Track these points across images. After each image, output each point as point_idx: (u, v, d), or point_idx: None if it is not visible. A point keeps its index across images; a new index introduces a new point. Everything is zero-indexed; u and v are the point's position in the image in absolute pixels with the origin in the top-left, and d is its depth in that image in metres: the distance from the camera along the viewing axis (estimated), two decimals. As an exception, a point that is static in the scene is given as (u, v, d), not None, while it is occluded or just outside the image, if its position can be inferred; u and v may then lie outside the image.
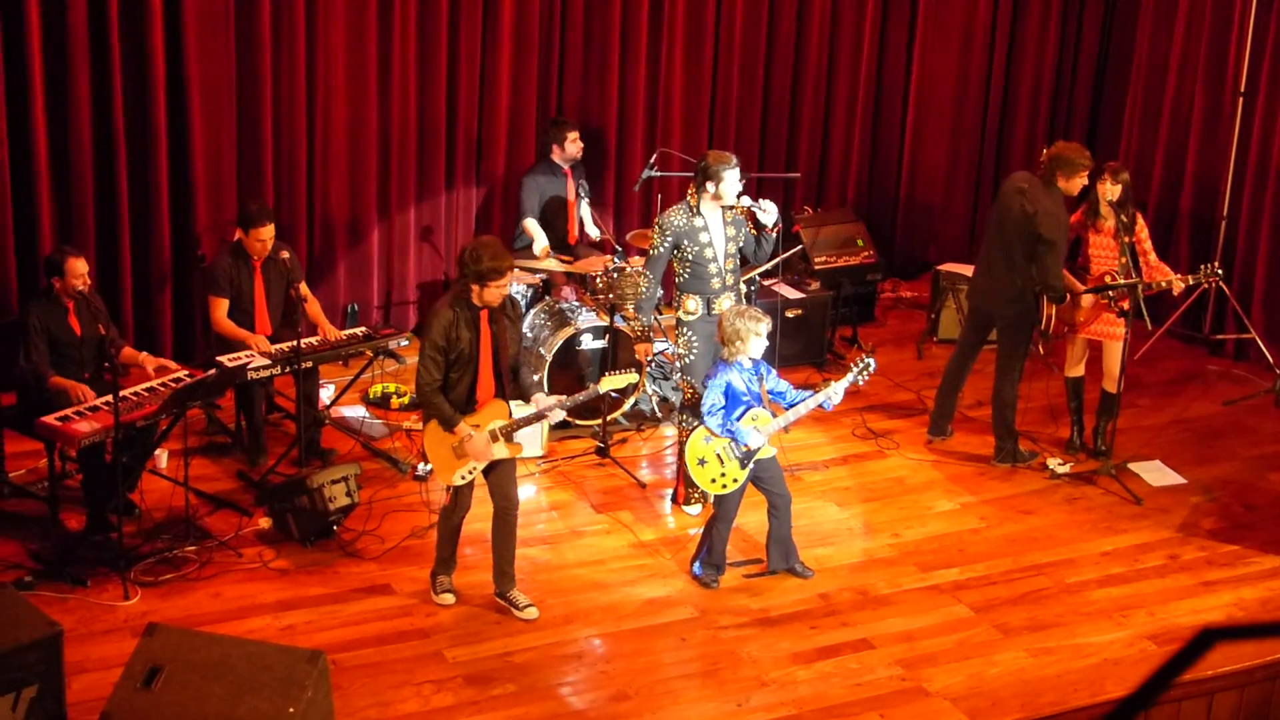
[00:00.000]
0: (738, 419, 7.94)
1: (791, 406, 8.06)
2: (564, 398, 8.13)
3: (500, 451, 7.82)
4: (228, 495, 9.00)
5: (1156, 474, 9.82)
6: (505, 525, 8.00)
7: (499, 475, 7.91)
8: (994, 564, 8.68)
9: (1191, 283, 9.72)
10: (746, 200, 8.78)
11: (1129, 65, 12.90)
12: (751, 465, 8.03)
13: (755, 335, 7.89)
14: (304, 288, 9.58)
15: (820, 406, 8.07)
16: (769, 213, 8.80)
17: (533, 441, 9.48)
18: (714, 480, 8.04)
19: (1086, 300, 9.56)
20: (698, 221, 8.75)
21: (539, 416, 7.97)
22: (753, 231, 8.94)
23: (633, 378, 8.32)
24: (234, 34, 10.37)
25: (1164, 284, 9.64)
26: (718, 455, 7.99)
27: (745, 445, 7.93)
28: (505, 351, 7.83)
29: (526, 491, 9.23)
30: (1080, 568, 8.67)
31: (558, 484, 9.45)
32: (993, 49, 13.21)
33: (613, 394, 9.34)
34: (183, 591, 8.01)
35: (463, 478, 7.83)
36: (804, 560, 8.45)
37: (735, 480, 8.02)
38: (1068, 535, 9.03)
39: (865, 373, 8.17)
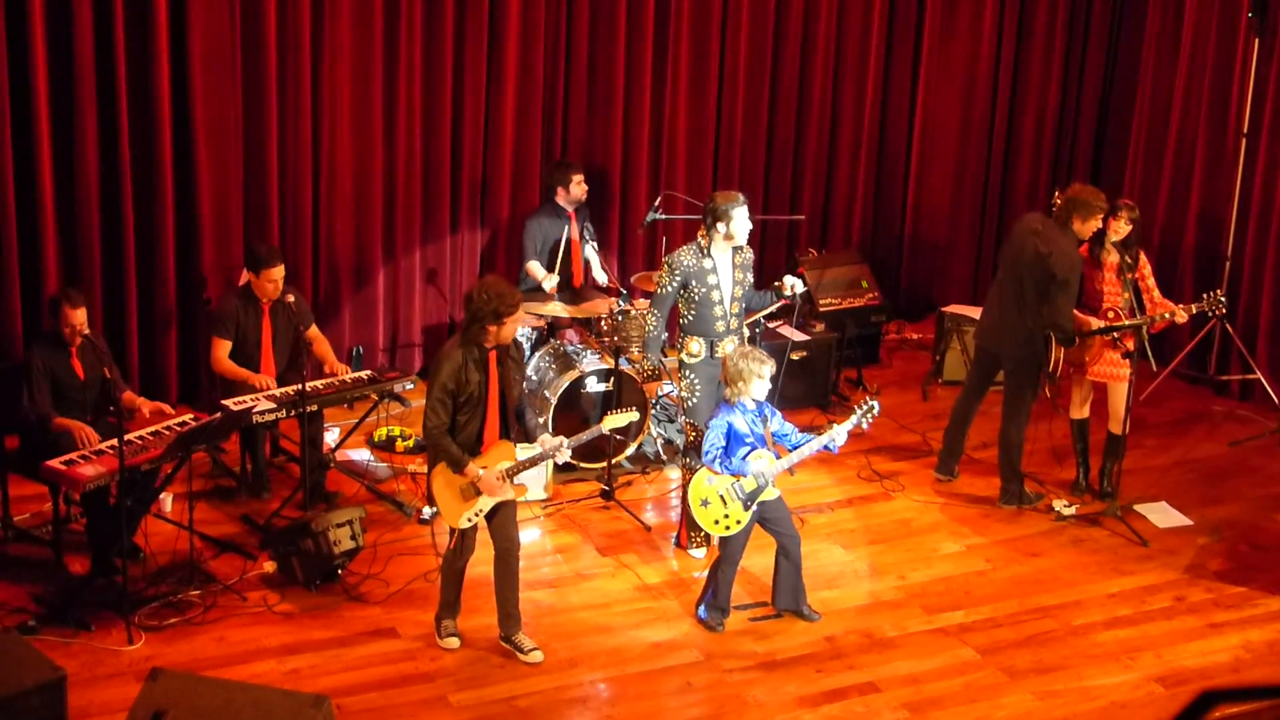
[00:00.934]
0: (742, 459, 7.93)
1: (795, 449, 8.06)
2: (567, 439, 8.13)
3: (508, 492, 7.83)
4: (232, 539, 8.99)
5: (1162, 515, 9.80)
6: (507, 567, 7.98)
7: (501, 517, 7.91)
8: (1000, 606, 8.65)
9: (1195, 311, 9.71)
10: (790, 279, 8.85)
11: (1132, 105, 12.93)
12: (755, 507, 8.02)
13: (758, 377, 7.88)
14: (315, 330, 9.61)
15: (825, 449, 8.07)
16: (795, 289, 8.86)
17: (536, 483, 9.47)
18: (717, 521, 8.03)
19: (1093, 341, 9.55)
20: (707, 263, 8.76)
21: (544, 457, 7.99)
22: (769, 288, 8.97)
23: (634, 415, 8.33)
24: (240, 76, 10.42)
25: (1169, 316, 9.63)
26: (721, 496, 7.98)
27: (749, 481, 7.91)
28: (511, 393, 7.85)
29: (531, 534, 9.23)
30: (1087, 610, 8.64)
31: (562, 527, 9.43)
32: (996, 89, 13.24)
33: (615, 435, 9.35)
34: (187, 636, 7.99)
35: (469, 520, 7.82)
36: (810, 603, 8.42)
37: (739, 522, 8.00)
38: (1074, 577, 9.01)
39: (869, 415, 8.16)
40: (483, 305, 7.56)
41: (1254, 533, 9.65)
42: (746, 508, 7.98)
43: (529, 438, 8.02)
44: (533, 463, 7.94)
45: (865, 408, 8.16)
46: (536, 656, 7.95)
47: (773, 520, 8.18)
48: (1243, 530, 9.68)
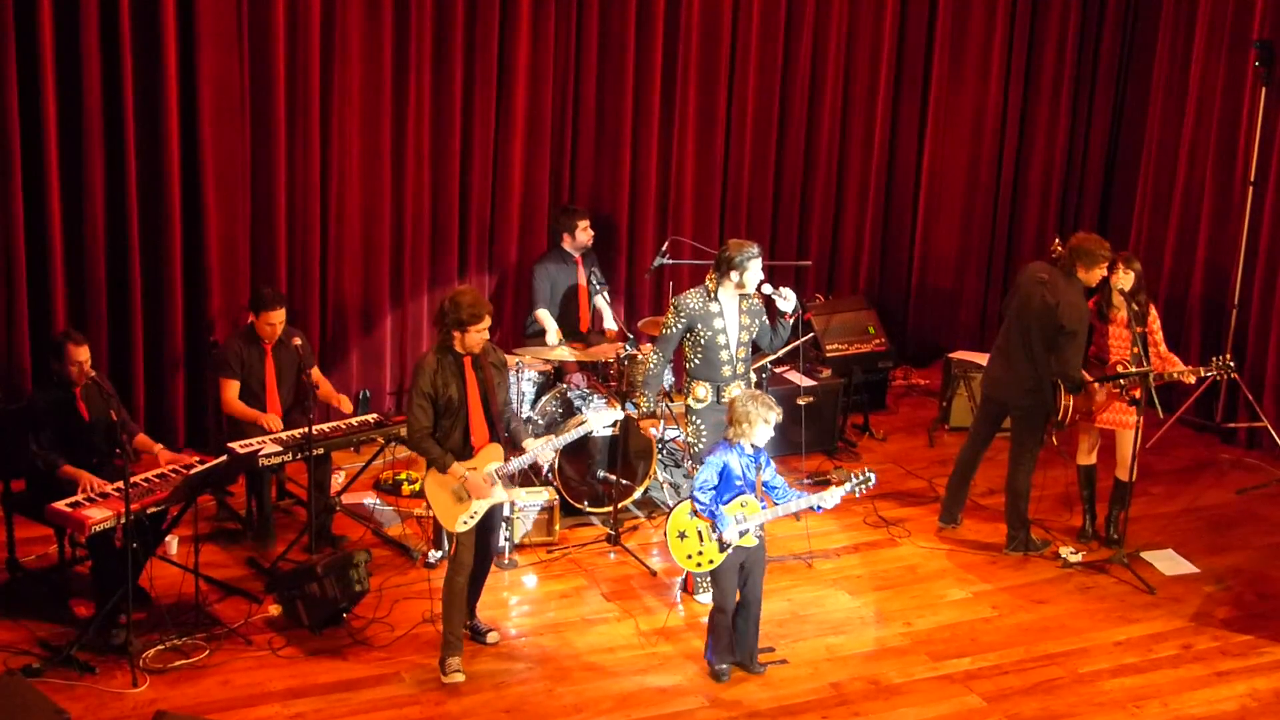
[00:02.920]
0: (725, 502, 7.91)
1: (782, 504, 8.03)
2: (553, 437, 8.34)
3: (499, 494, 8.02)
4: (237, 582, 8.99)
5: (1169, 563, 9.78)
6: (481, 569, 8.30)
7: (484, 525, 8.11)
8: (1006, 653, 8.62)
9: (1203, 375, 9.72)
10: (767, 288, 8.83)
11: (1139, 154, 12.97)
12: (730, 552, 7.98)
13: (764, 422, 7.87)
14: (316, 372, 9.63)
15: (812, 508, 8.05)
16: (788, 300, 8.85)
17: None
18: (690, 556, 8.01)
19: (1100, 389, 9.56)
20: (713, 307, 8.78)
21: (532, 460, 8.18)
22: (775, 317, 8.97)
23: (618, 413, 8.70)
24: (249, 121, 10.47)
25: (1175, 375, 9.63)
26: (699, 532, 7.95)
27: (724, 531, 7.90)
28: (494, 396, 8.04)
29: (535, 579, 9.22)
30: (1093, 657, 8.62)
31: (568, 571, 9.42)
32: (1003, 137, 13.29)
33: (614, 475, 9.36)
34: (191, 679, 7.97)
35: (464, 523, 7.96)
36: (814, 649, 8.40)
37: (711, 561, 7.96)
38: (1080, 624, 8.98)
39: (864, 485, 8.10)
40: (447, 314, 7.90)
41: (1261, 581, 9.62)
42: (721, 550, 7.95)
43: (514, 442, 8.19)
44: (521, 466, 8.11)
45: (861, 477, 8.11)
46: (493, 638, 8.33)
47: (746, 570, 8.13)
48: (1249, 578, 9.65)
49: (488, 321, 7.95)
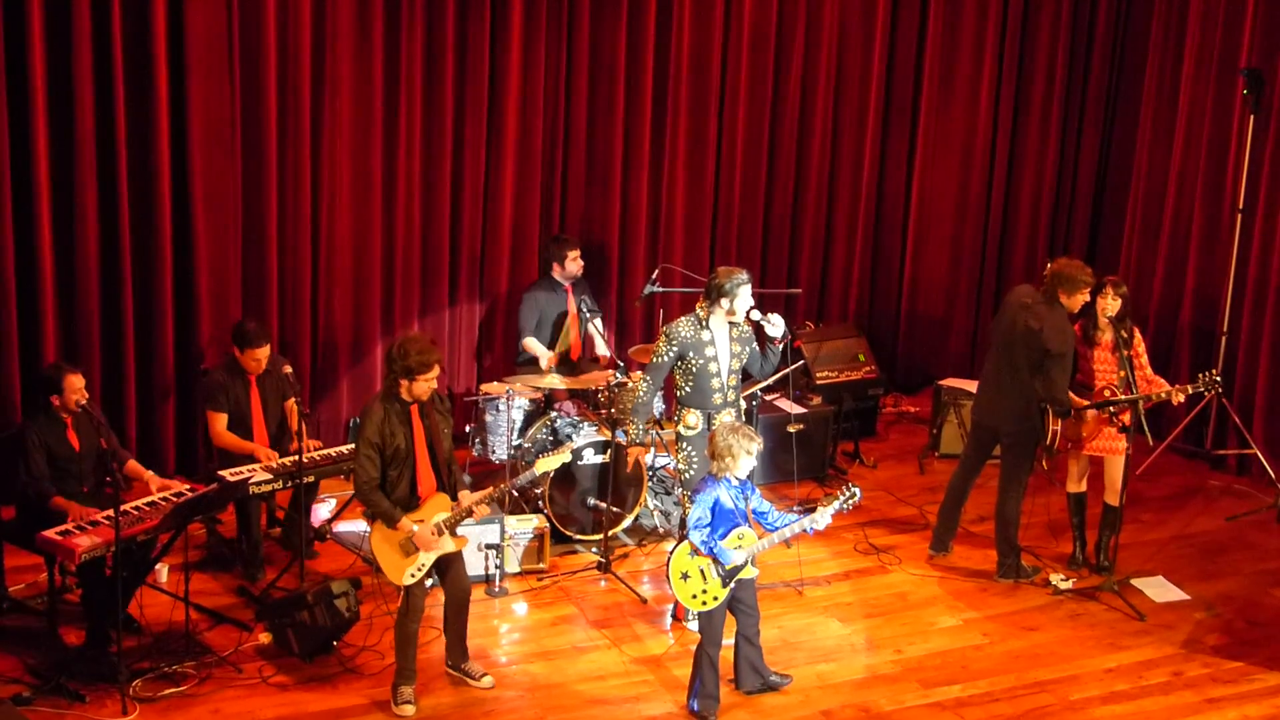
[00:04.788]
0: (722, 537, 7.90)
1: (775, 529, 8.03)
2: (494, 489, 8.21)
3: (447, 545, 7.96)
4: (228, 610, 8.98)
5: (1159, 590, 9.79)
6: (458, 613, 8.23)
7: (453, 571, 8.10)
8: (997, 680, 8.62)
9: (1191, 392, 9.73)
10: (756, 313, 8.85)
11: (1128, 181, 13.02)
12: (733, 585, 7.98)
13: (746, 454, 7.85)
14: (292, 403, 9.63)
15: (804, 531, 8.04)
16: (776, 326, 8.86)
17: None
18: (695, 596, 7.97)
19: (1090, 415, 9.57)
20: (704, 335, 8.80)
21: (469, 512, 8.05)
22: (760, 345, 8.99)
23: (565, 457, 8.58)
24: (239, 150, 10.50)
25: (1164, 395, 9.65)
26: (701, 571, 7.93)
27: (728, 565, 7.88)
28: (440, 445, 7.99)
29: (525, 607, 9.22)
30: (1084, 684, 8.61)
31: (558, 599, 9.42)
32: (993, 164, 13.33)
33: (600, 506, 9.36)
34: (181, 707, 7.96)
35: (412, 576, 7.92)
36: (805, 677, 8.40)
37: (715, 598, 7.94)
38: (1071, 651, 8.98)
39: (850, 502, 8.09)
40: (395, 360, 7.84)
41: (1251, 608, 9.63)
42: (725, 585, 7.94)
43: (451, 494, 8.12)
44: (467, 514, 8.03)
45: (847, 494, 8.10)
46: (488, 682, 8.19)
47: (741, 599, 8.12)
48: (1240, 605, 9.65)
49: (436, 371, 7.89)
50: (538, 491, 9.82)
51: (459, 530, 8.04)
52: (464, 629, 8.28)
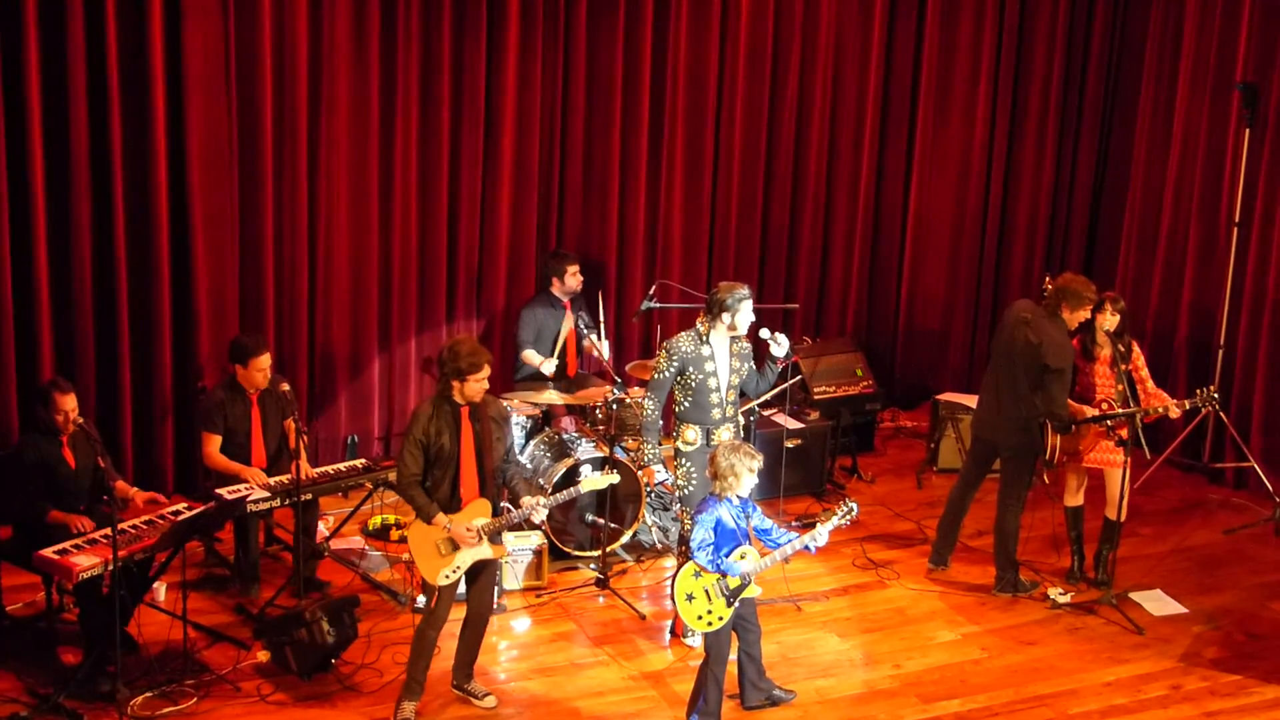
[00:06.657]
0: (726, 554, 7.89)
1: (776, 547, 8.02)
2: (543, 498, 8.22)
3: (485, 550, 7.93)
4: (226, 628, 8.97)
5: (1158, 603, 9.78)
6: (475, 630, 8.20)
7: (481, 583, 8.09)
8: (996, 695, 8.62)
9: (1189, 407, 9.74)
10: (764, 332, 8.87)
11: (1125, 194, 13.03)
12: (737, 604, 7.97)
13: (748, 472, 7.85)
14: (291, 423, 9.61)
15: (804, 548, 8.04)
16: (781, 345, 8.88)
17: (515, 568, 9.55)
18: (700, 617, 7.95)
19: (1088, 429, 9.58)
20: (705, 350, 8.81)
21: (526, 519, 8.09)
22: (765, 361, 8.99)
23: (614, 478, 8.59)
24: (237, 167, 10.50)
25: (1162, 410, 9.66)
26: (705, 591, 7.92)
27: (734, 579, 7.87)
28: (489, 451, 7.95)
29: (524, 624, 9.21)
30: (1083, 698, 8.61)
31: (557, 616, 9.41)
32: (989, 179, 13.34)
33: (600, 520, 9.34)
34: (179, 726, 7.97)
35: (446, 577, 7.90)
36: (804, 692, 8.40)
37: (721, 618, 7.93)
38: (1070, 665, 8.98)
39: (848, 517, 8.09)
40: (446, 363, 7.83)
41: (1249, 621, 9.63)
42: (729, 604, 7.92)
43: (512, 497, 8.14)
44: (509, 524, 8.04)
45: (845, 509, 8.11)
46: (490, 702, 8.17)
47: (742, 616, 8.12)
48: (1238, 618, 9.65)
49: (487, 371, 7.87)
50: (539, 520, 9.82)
51: (500, 539, 8.07)
52: (477, 646, 8.27)
